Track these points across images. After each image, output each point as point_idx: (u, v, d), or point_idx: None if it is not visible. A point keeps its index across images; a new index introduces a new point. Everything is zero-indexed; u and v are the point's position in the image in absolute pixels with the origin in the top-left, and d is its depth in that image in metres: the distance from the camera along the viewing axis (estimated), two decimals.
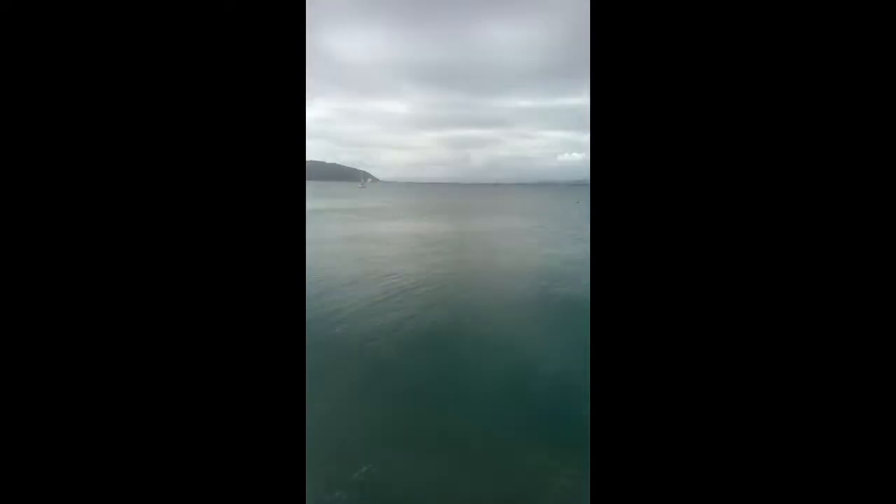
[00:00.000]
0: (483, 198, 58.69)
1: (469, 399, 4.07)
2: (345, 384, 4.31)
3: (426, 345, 5.40)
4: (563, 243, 14.48)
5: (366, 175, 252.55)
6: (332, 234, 15.70)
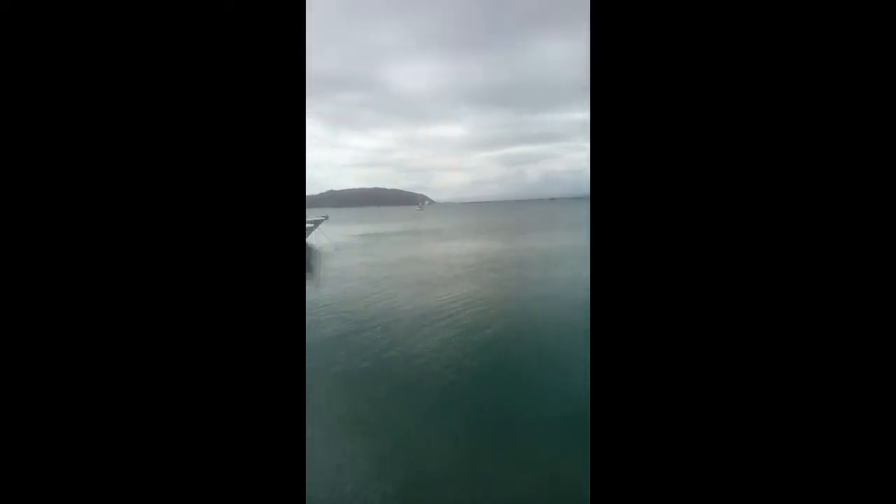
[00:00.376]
0: (539, 214, 57.94)
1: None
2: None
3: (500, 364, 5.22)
4: None
5: (423, 198, 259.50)
6: (394, 257, 16.57)
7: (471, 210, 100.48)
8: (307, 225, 18.84)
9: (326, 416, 3.96)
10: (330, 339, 6.28)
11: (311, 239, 21.43)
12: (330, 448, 3.42)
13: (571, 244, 17.70)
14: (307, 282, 10.82)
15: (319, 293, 9.59)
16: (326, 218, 24.11)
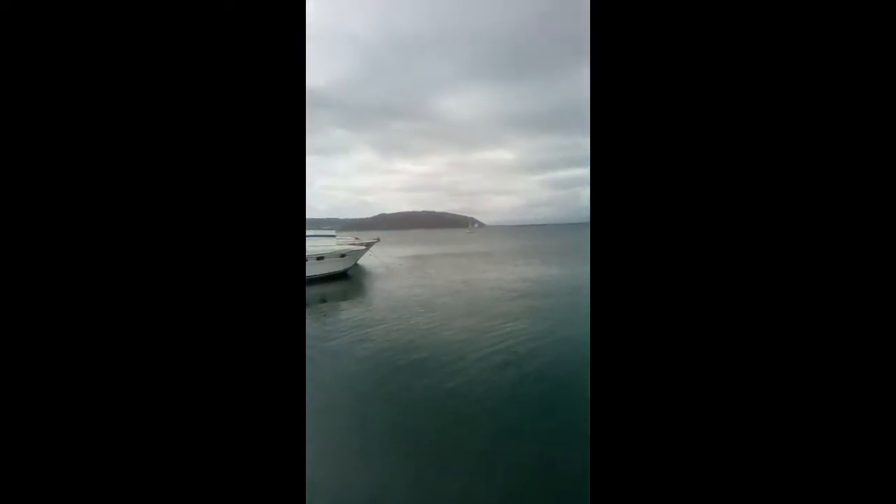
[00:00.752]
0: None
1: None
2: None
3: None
4: None
5: (473, 221, 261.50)
6: (444, 278, 16.29)
7: (521, 233, 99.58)
8: (359, 247, 19.20)
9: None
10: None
11: (363, 260, 21.74)
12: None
13: None
14: (356, 304, 10.75)
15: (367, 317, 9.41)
16: (378, 240, 24.50)
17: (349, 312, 9.89)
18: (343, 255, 17.46)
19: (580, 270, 17.30)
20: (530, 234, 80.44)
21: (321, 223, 43.47)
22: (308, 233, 17.40)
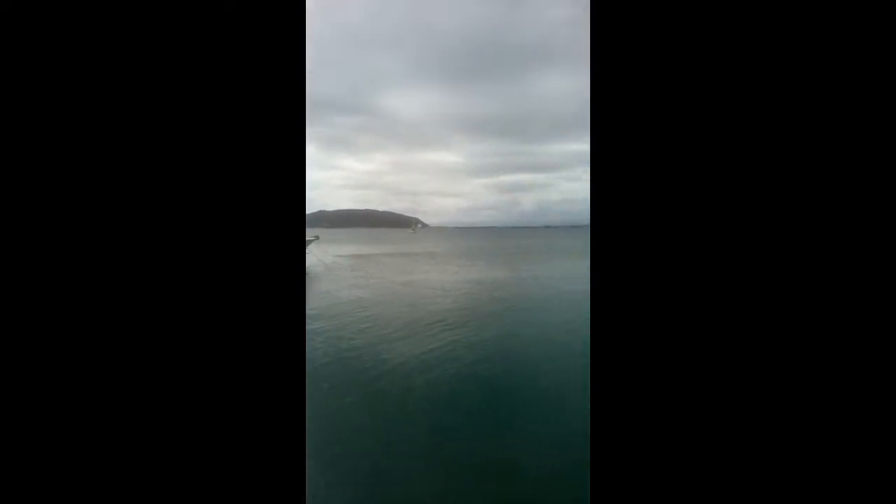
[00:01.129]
0: (533, 240, 57.92)
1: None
2: None
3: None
4: None
5: (416, 221, 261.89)
6: (385, 280, 15.68)
7: (465, 235, 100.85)
8: None
9: None
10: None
11: None
12: None
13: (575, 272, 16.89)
14: None
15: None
16: (317, 238, 23.21)
17: None
18: None
19: (528, 272, 17.28)
20: (474, 237, 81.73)
21: None
22: None
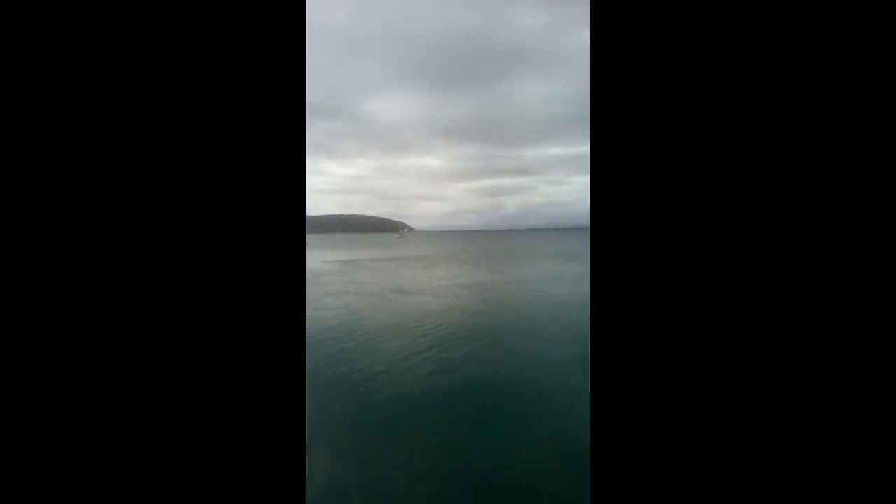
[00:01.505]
0: (517, 243, 58.37)
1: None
2: None
3: None
4: None
5: (403, 225, 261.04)
6: (378, 285, 15.68)
7: (451, 238, 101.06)
8: None
9: None
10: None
11: None
12: None
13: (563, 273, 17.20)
14: None
15: None
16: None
17: None
18: None
19: (513, 275, 17.52)
20: (460, 240, 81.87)
21: None
22: None
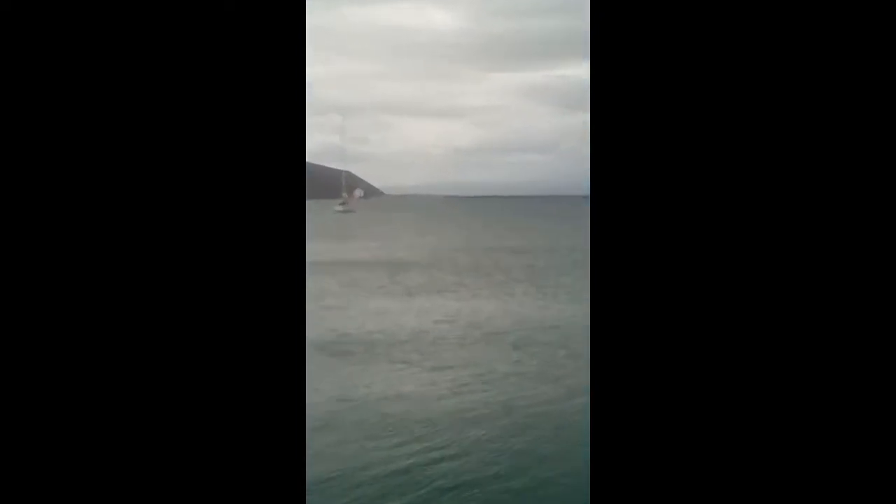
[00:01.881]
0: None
1: None
2: None
3: None
4: None
5: (351, 185, 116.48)
6: None
7: (456, 210, 54.69)
8: None
9: None
10: None
11: None
12: None
13: None
14: None
15: None
16: None
17: None
18: None
19: None
20: (476, 216, 45.49)
21: None
22: None
